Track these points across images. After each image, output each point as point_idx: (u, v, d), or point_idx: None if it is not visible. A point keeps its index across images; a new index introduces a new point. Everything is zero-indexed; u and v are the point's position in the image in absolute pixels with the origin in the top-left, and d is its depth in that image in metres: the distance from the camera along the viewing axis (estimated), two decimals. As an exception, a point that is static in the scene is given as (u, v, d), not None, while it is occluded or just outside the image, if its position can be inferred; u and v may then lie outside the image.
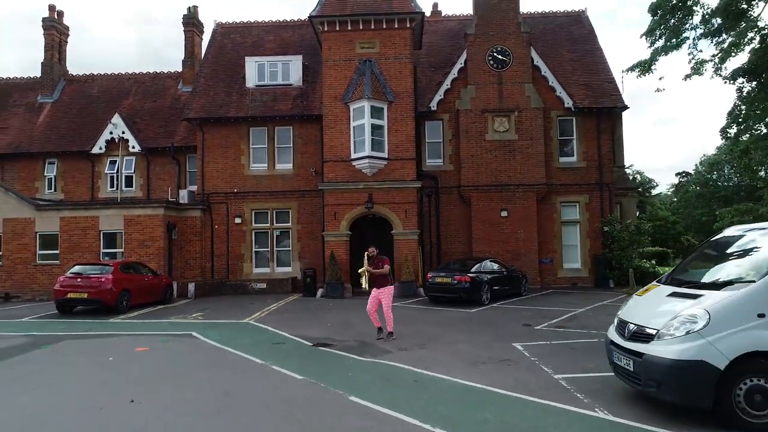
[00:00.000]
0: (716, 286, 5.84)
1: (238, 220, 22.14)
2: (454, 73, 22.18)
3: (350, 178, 20.00)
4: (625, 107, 22.39)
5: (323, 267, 20.25)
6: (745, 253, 6.18)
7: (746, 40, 13.57)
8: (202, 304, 17.80)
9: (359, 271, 11.51)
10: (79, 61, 72.21)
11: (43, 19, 26.79)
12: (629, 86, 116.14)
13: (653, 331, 5.77)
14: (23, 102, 26.45)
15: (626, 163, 29.26)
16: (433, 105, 21.95)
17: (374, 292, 11.12)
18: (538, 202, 21.61)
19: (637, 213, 26.22)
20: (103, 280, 15.34)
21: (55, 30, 26.91)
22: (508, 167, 21.55)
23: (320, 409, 6.35)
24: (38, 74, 27.04)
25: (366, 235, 20.78)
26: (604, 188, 22.04)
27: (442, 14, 27.94)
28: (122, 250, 20.25)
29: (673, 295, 6.14)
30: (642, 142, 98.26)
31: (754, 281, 5.46)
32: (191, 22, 26.98)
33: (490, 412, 6.14)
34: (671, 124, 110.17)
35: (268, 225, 22.36)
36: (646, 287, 7.16)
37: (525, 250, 21.27)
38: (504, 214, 21.38)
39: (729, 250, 6.52)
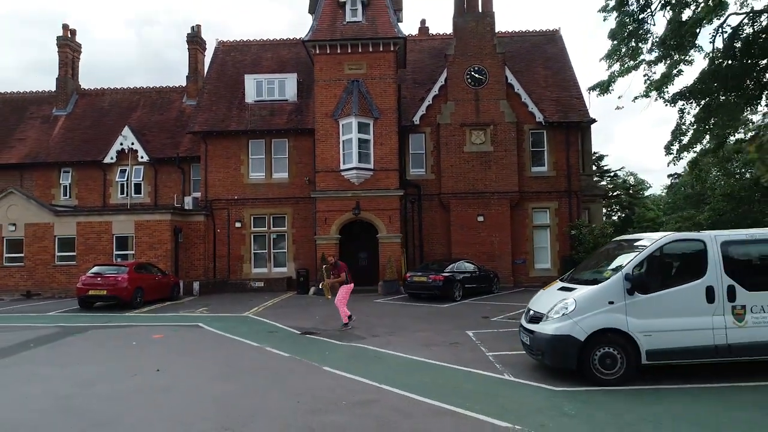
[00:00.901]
0: (588, 282, 7.97)
1: (238, 225, 24.25)
2: (435, 90, 24.30)
3: (340, 187, 22.12)
4: (592, 121, 24.52)
5: (315, 267, 22.35)
6: (612, 258, 8.31)
7: (675, 72, 15.60)
8: (206, 301, 19.92)
9: (320, 286, 13.63)
10: (81, 62, 73.79)
11: (58, 38, 28.92)
12: (626, 89, 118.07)
13: (542, 315, 7.90)
14: (39, 114, 28.57)
15: (618, 165, 31.31)
16: (417, 119, 24.07)
17: (340, 290, 13.25)
18: (512, 208, 23.71)
19: (613, 217, 28.23)
20: (119, 279, 17.46)
21: (68, 48, 29.03)
22: (484, 176, 23.66)
23: (299, 374, 8.49)
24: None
25: (354, 239, 22.97)
26: (572, 195, 24.15)
27: (429, 29, 30.10)
28: (133, 252, 22.37)
29: (562, 288, 8.28)
30: (640, 143, 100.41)
31: (607, 278, 7.60)
32: (195, 40, 29.10)
33: (427, 376, 8.26)
34: (670, 124, 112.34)
35: (266, 229, 24.47)
36: (550, 283, 9.29)
37: (500, 252, 23.38)
38: (480, 219, 23.48)
39: (606, 256, 8.67)
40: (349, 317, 13.20)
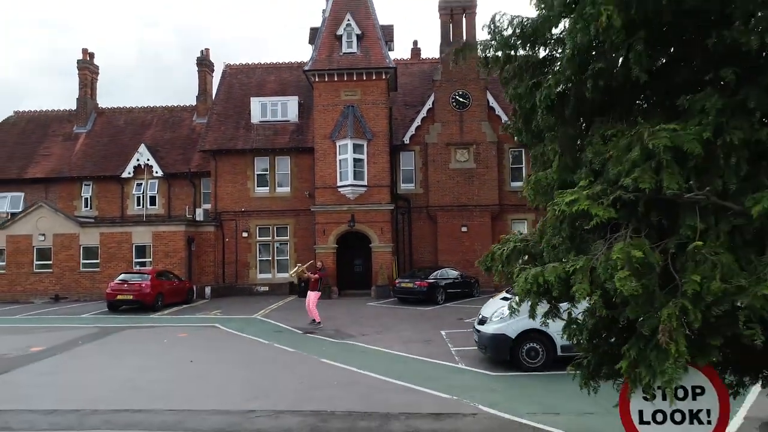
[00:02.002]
0: (521, 293, 10.49)
1: (245, 234, 26.75)
2: (423, 112, 26.80)
3: (336, 202, 24.62)
4: (566, 140, 26.99)
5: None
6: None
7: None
8: (217, 304, 22.43)
9: (292, 272, 16.84)
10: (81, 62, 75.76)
11: (78, 61, 31.42)
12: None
13: (487, 318, 10.42)
14: (61, 132, 31.06)
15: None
16: (406, 139, 26.58)
17: (309, 295, 16.18)
18: (493, 219, 26.22)
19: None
20: (143, 285, 19.97)
21: (87, 70, 31.53)
22: (467, 191, 26.17)
23: (302, 363, 11.01)
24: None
25: (349, 248, 25.48)
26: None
27: (421, 50, 32.68)
28: (151, 259, 24.86)
29: (503, 298, 10.80)
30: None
31: (533, 291, 10.11)
32: (204, 63, 31.61)
33: (401, 365, 10.76)
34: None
35: (270, 238, 26.98)
36: (500, 293, 11.82)
37: (481, 259, 25.86)
38: (464, 229, 25.99)
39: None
40: (313, 321, 15.90)
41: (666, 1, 2.85)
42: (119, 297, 19.85)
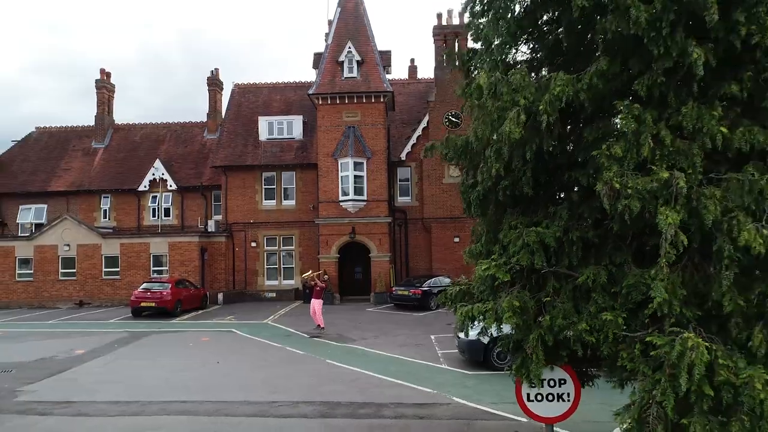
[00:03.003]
0: (494, 306, 12.64)
1: (253, 244, 28.88)
2: (419, 131, 28.92)
3: (338, 215, 26.75)
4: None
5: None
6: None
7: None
8: (230, 310, 24.55)
9: (305, 275, 18.92)
10: (85, 69, 77.93)
11: (96, 81, 33.57)
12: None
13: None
14: (80, 147, 33.19)
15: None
16: (403, 156, 28.70)
17: (312, 302, 18.16)
18: (483, 230, 28.29)
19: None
20: (164, 293, 22.09)
21: (105, 89, 33.68)
22: (459, 204, 28.01)
23: (311, 363, 13.13)
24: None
25: (350, 257, 27.59)
26: (534, 219, 28.78)
27: (417, 68, 34.82)
28: (167, 268, 26.99)
29: (479, 309, 12.91)
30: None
31: (503, 304, 12.27)
32: (214, 82, 33.75)
33: (395, 366, 12.87)
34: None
35: (276, 248, 29.11)
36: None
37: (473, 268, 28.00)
38: (456, 239, 28.08)
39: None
40: (317, 327, 17.97)
41: (530, 156, 4.96)
42: (143, 304, 21.97)
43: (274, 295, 28.11)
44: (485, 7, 5.44)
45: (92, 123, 33.89)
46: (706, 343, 3.77)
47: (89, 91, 69.98)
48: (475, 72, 5.98)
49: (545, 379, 5.26)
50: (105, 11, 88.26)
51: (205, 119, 33.97)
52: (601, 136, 4.83)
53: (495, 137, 5.08)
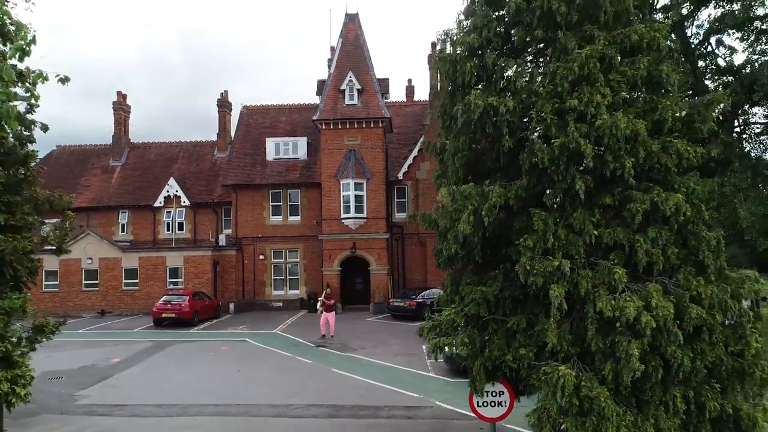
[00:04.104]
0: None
1: (261, 257, 31.19)
2: (414, 152, 31.23)
3: (340, 231, 29.06)
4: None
5: (322, 291, 29.23)
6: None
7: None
8: (242, 319, 26.85)
9: (318, 300, 21.21)
10: (85, 69, 79.93)
11: (113, 103, 35.94)
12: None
13: (449, 341, 14.85)
14: (99, 165, 35.52)
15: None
16: (400, 176, 31.01)
17: (324, 315, 20.46)
18: (474, 244, 30.60)
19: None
20: (183, 305, 24.41)
21: (122, 110, 36.04)
22: (452, 220, 30.52)
23: (319, 372, 15.44)
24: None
25: (351, 269, 29.87)
26: (521, 234, 31.11)
27: (415, 88, 37.15)
28: (182, 280, 29.30)
29: (461, 326, 15.22)
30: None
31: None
32: (223, 104, 36.11)
33: (390, 374, 15.17)
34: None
35: (283, 260, 31.41)
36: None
37: (464, 279, 30.34)
38: (449, 253, 30.36)
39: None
40: (323, 336, 20.28)
41: (478, 239, 7.25)
42: (164, 315, 24.28)
43: (280, 304, 30.43)
44: (445, 144, 7.84)
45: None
46: (574, 372, 6.07)
47: (89, 91, 72.38)
48: (440, 187, 8.28)
49: (488, 391, 7.53)
50: (105, 11, 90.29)
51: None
52: (525, 226, 7.13)
53: (453, 228, 7.36)
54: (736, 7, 20.22)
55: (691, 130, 7.35)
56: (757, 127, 23.24)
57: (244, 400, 12.78)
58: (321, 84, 31.57)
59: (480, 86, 7.63)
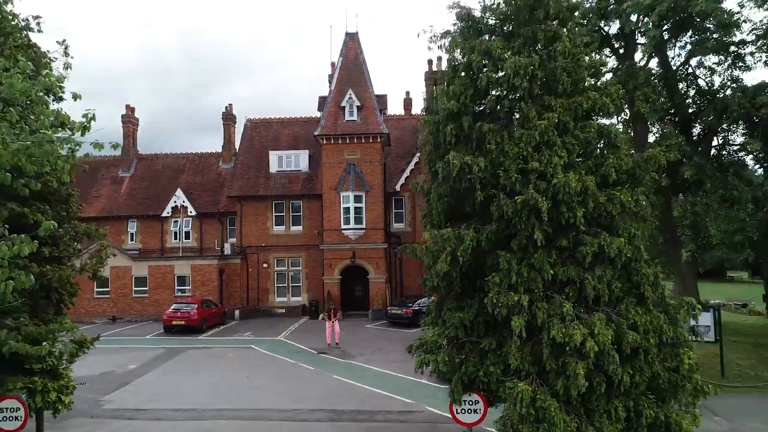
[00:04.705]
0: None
1: (265, 265, 32.60)
2: (411, 164, 32.63)
3: (340, 241, 30.47)
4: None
5: (323, 298, 30.68)
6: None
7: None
8: (246, 325, 28.26)
9: (325, 312, 22.56)
10: (84, 70, 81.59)
11: (122, 116, 37.36)
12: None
13: (440, 351, 16.26)
14: (109, 176, 36.93)
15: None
16: (398, 188, 32.42)
17: (330, 324, 21.83)
18: (468, 253, 32.02)
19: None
20: (192, 313, 25.82)
21: (130, 123, 37.46)
22: (447, 230, 31.94)
23: (321, 378, 16.86)
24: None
25: (351, 277, 31.27)
26: (513, 244, 32.53)
27: (412, 100, 38.55)
28: (190, 287, 30.71)
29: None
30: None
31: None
32: (228, 117, 37.53)
33: (386, 380, 16.58)
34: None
35: (285, 268, 32.83)
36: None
37: (459, 287, 31.77)
38: (445, 262, 31.77)
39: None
40: (330, 345, 21.69)
41: (456, 275, 8.65)
42: (174, 322, 25.70)
43: (283, 311, 31.85)
44: (431, 188, 9.27)
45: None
46: (531, 387, 7.48)
47: (89, 92, 73.57)
48: (426, 225, 9.68)
49: (465, 401, 8.93)
50: (105, 11, 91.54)
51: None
52: (495, 263, 8.54)
53: (434, 266, 8.75)
54: (714, 36, 21.35)
55: (635, 180, 8.78)
56: (736, 145, 24.54)
57: (254, 405, 14.19)
58: (322, 100, 32.98)
59: (458, 145, 9.02)
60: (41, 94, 7.61)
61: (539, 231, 7.96)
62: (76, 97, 7.36)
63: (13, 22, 11.10)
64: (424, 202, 10.23)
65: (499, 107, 8.79)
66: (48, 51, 10.95)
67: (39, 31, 11.70)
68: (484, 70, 8.85)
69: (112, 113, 37.46)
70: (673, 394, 8.42)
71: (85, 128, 6.91)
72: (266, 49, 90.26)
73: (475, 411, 9.00)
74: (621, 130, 8.68)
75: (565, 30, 8.89)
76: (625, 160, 8.71)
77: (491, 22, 9.75)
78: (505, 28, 9.64)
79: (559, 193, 7.97)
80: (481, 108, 9.07)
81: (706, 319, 15.37)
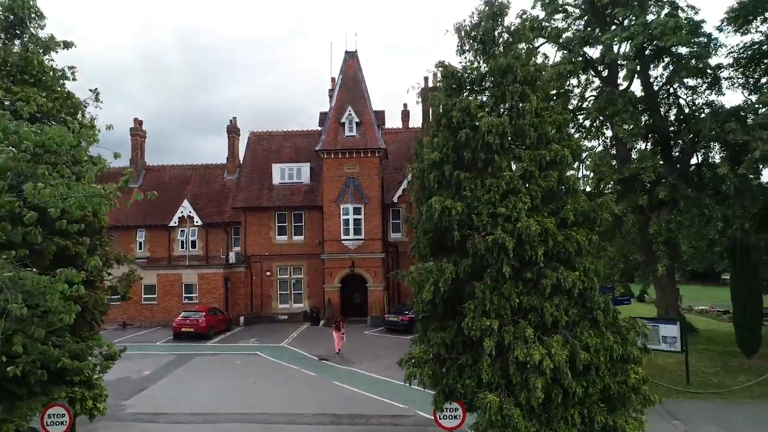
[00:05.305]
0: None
1: (268, 273, 34.11)
2: (408, 177, 34.09)
3: (340, 251, 31.99)
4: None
5: (323, 306, 32.20)
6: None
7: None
8: (251, 332, 29.77)
9: (333, 324, 23.90)
10: (86, 70, 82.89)
11: (131, 129, 38.88)
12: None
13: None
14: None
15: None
16: (395, 199, 33.94)
17: (336, 334, 23.30)
18: (462, 262, 33.55)
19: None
20: (200, 320, 27.33)
21: (138, 136, 38.99)
22: (442, 240, 33.47)
23: (322, 384, 18.37)
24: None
25: (351, 285, 32.77)
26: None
27: (410, 113, 40.06)
28: (196, 295, 32.22)
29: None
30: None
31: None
32: (232, 130, 39.06)
33: (382, 386, 18.07)
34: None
35: (288, 277, 34.34)
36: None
37: (453, 294, 33.30)
38: (440, 270, 33.29)
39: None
40: (338, 352, 23.18)
41: (439, 301, 10.14)
42: (183, 329, 27.21)
43: (286, 317, 33.36)
44: (418, 223, 10.75)
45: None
46: (499, 398, 8.97)
47: (87, 90, 75.04)
48: (413, 256, 11.18)
49: (447, 408, 10.42)
50: (103, 10, 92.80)
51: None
52: (471, 292, 10.04)
53: (420, 294, 10.24)
54: (691, 62, 22.68)
55: (591, 221, 10.29)
56: (716, 163, 25.91)
57: (261, 409, 15.69)
58: (323, 116, 34.51)
59: (440, 189, 10.51)
60: (83, 145, 9.09)
61: (507, 266, 9.46)
62: (116, 156, 8.79)
63: (51, 74, 12.62)
64: (414, 232, 11.71)
65: (475, 158, 10.28)
66: (84, 101, 12.44)
67: (73, 79, 13.22)
68: (464, 125, 10.35)
69: (109, 110, 38.83)
70: (622, 404, 9.92)
71: (125, 182, 8.37)
72: (266, 49, 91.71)
73: (455, 417, 10.51)
74: (579, 177, 10.07)
75: (530, 91, 10.38)
76: (582, 204, 10.21)
77: (472, 77, 11.26)
78: (483, 84, 11.17)
79: (522, 234, 9.47)
80: (461, 160, 10.57)
81: (672, 331, 16.90)
